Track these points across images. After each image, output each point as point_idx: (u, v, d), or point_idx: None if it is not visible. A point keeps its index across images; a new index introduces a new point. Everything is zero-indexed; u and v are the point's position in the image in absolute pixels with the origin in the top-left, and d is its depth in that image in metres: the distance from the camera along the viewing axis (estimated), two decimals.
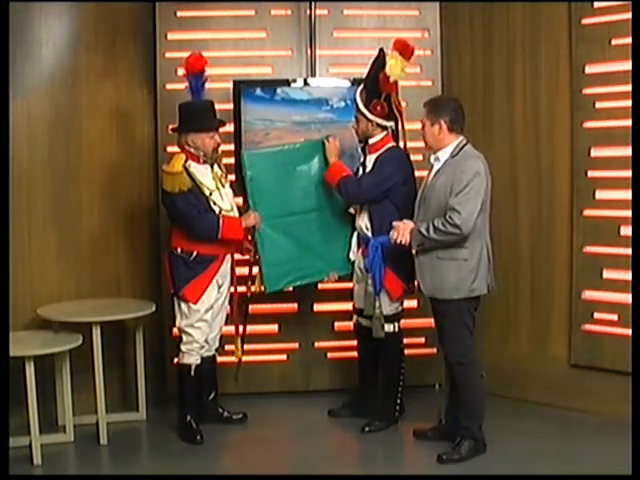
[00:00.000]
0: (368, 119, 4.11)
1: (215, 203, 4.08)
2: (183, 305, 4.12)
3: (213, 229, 4.02)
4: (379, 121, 4.11)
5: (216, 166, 4.19)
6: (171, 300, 4.23)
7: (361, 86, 4.17)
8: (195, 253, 4.07)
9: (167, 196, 4.03)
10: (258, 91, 4.56)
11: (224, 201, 4.14)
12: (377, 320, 4.09)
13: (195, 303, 4.09)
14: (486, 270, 3.82)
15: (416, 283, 4.03)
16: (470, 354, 3.84)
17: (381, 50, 4.11)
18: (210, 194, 4.08)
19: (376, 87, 4.07)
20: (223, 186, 4.19)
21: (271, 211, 4.22)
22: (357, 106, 4.14)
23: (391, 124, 4.17)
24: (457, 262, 3.76)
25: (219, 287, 4.18)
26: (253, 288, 4.31)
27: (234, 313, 4.33)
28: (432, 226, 3.70)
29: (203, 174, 4.10)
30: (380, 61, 4.08)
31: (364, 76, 4.17)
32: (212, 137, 4.11)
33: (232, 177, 4.37)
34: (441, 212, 3.71)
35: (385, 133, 4.17)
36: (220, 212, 4.08)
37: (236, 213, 4.21)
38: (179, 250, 4.10)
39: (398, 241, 3.82)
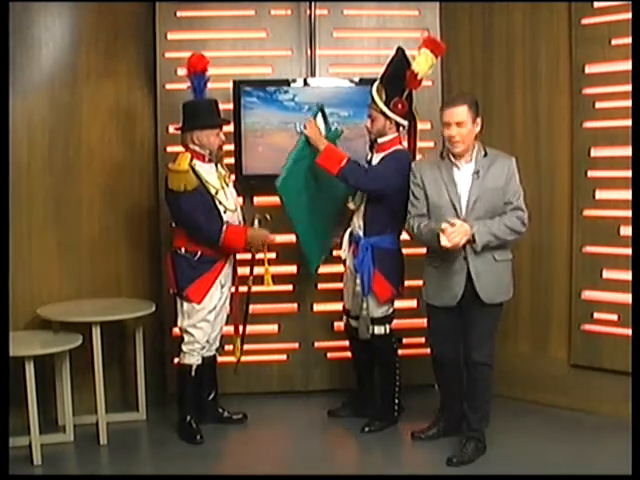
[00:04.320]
0: (387, 117, 4.01)
1: (220, 202, 4.07)
2: (186, 305, 4.11)
3: (215, 237, 4.00)
4: (398, 119, 4.03)
5: (219, 165, 4.19)
6: (173, 300, 4.23)
7: (376, 83, 4.05)
8: (199, 253, 4.06)
9: (172, 195, 4.01)
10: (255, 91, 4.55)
11: (229, 200, 4.14)
12: (363, 321, 4.08)
13: (199, 303, 4.08)
14: None
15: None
16: (493, 355, 3.84)
17: (399, 48, 4.05)
18: (216, 193, 4.07)
19: (400, 84, 3.97)
20: (227, 185, 4.19)
21: (301, 206, 4.17)
22: (375, 104, 4.02)
23: (406, 123, 4.08)
24: (508, 262, 3.82)
25: (222, 287, 4.17)
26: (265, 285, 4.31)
27: (234, 313, 4.33)
28: (504, 226, 3.65)
29: (208, 173, 4.09)
30: (400, 59, 4.01)
31: (380, 75, 4.07)
32: (217, 134, 4.10)
33: (233, 177, 4.38)
34: (494, 212, 3.68)
35: (396, 134, 4.08)
36: (225, 212, 4.07)
37: (239, 213, 4.21)
38: (183, 250, 4.09)
39: (453, 244, 3.53)
